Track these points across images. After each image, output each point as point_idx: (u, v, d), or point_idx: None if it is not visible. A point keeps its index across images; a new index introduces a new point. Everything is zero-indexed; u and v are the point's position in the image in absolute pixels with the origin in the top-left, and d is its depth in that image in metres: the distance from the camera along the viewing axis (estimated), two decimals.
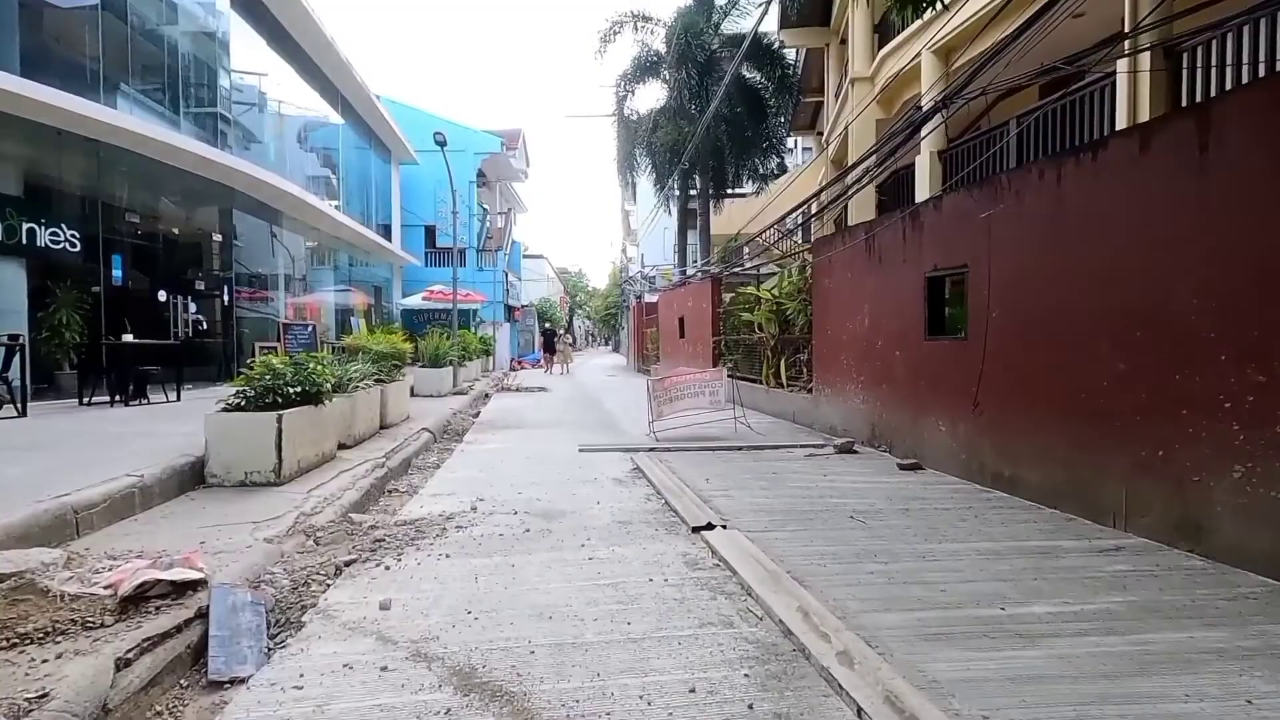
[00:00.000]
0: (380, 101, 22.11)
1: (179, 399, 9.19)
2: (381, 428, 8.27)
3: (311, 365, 5.82)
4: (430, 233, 28.00)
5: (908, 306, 6.50)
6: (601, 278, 71.01)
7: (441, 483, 5.99)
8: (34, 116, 8.48)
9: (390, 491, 5.86)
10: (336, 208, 18.33)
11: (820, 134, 24.52)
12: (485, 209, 30.71)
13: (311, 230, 17.37)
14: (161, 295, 10.68)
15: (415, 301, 23.03)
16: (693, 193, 22.84)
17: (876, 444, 7.20)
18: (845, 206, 10.10)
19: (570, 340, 24.87)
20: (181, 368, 9.58)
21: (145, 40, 11.08)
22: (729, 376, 9.93)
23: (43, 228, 8.91)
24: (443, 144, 13.27)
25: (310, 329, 13.77)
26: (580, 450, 7.31)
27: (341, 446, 6.70)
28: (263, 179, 12.53)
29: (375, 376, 8.04)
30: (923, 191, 8.72)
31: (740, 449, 7.34)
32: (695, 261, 26.45)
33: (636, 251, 34.46)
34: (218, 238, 12.33)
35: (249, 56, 14.15)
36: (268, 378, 5.46)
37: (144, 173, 10.51)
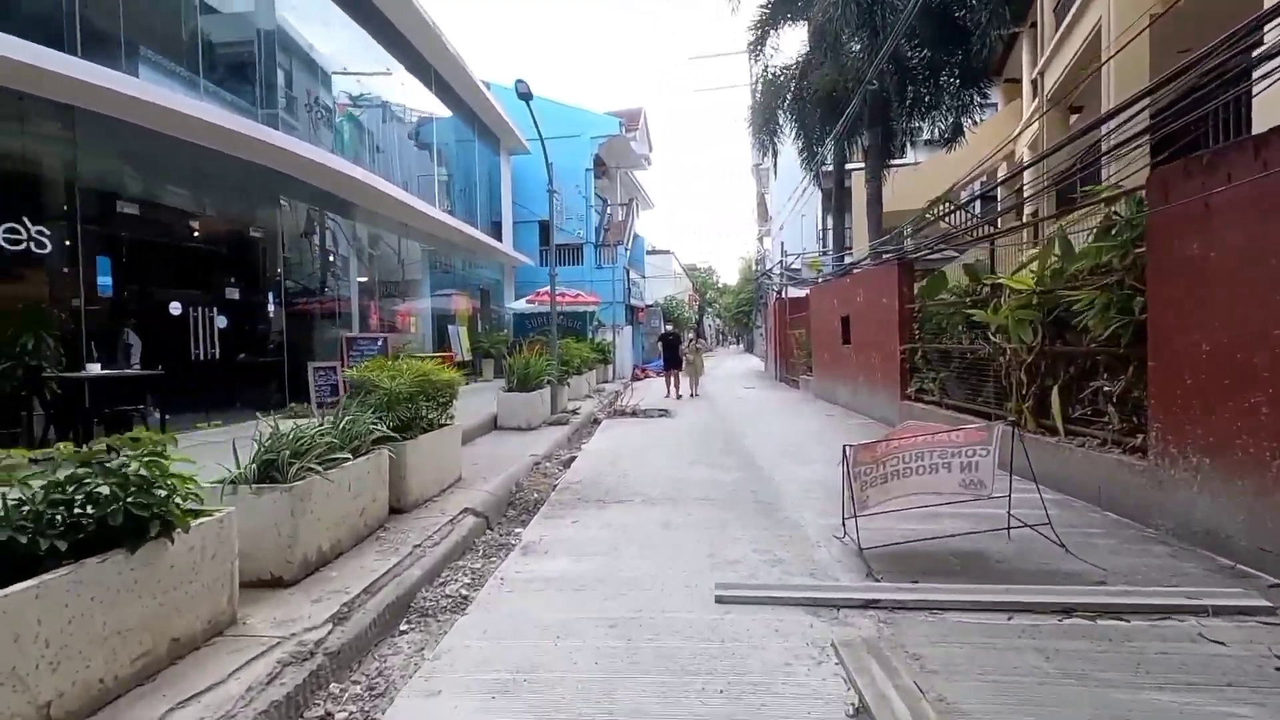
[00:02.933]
0: (488, 89, 19.79)
1: None
2: (394, 511, 5.17)
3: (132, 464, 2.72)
4: (545, 229, 25.55)
5: None
6: (732, 274, 66.96)
7: None
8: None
9: None
10: (448, 211, 16.06)
11: (1012, 80, 19.22)
12: (604, 200, 27.92)
13: (398, 227, 15.11)
14: (175, 308, 8.38)
15: (527, 305, 20.54)
16: (850, 167, 18.46)
17: None
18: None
19: (701, 345, 18.35)
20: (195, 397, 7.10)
21: None
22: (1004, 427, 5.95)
23: None
24: (526, 96, 10.20)
25: (380, 343, 11.23)
26: (719, 598, 3.71)
27: (270, 584, 3.60)
28: (315, 159, 10.07)
29: (379, 434, 4.92)
30: None
31: (1064, 612, 3.40)
32: (848, 248, 21.92)
33: (773, 241, 30.28)
34: (256, 233, 9.98)
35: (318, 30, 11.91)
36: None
37: (145, 151, 8.24)
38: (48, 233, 7.09)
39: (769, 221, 33.04)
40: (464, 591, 4.02)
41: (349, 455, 4.44)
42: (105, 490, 2.61)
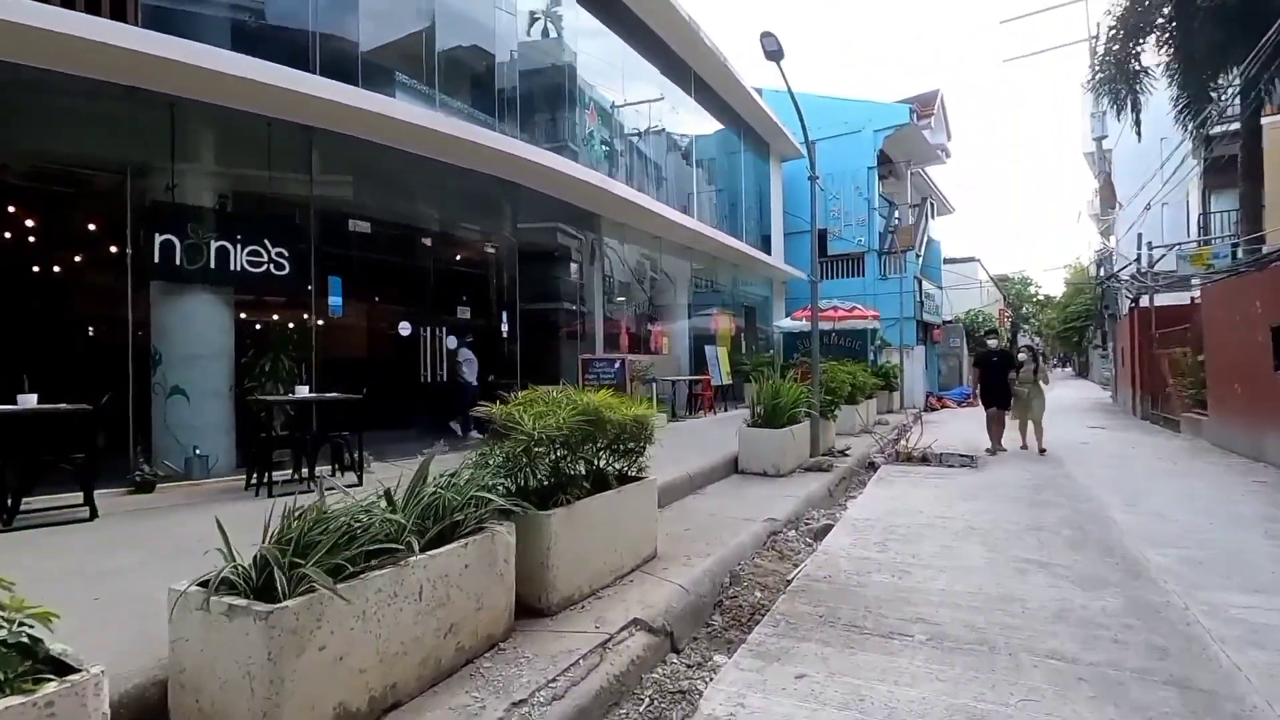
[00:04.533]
0: (759, 95, 18.24)
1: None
2: (531, 614, 3.48)
3: None
4: (821, 239, 22.98)
5: None
6: (1054, 283, 55.86)
7: None
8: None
9: None
10: (713, 225, 14.86)
11: None
12: (890, 201, 24.34)
13: (651, 241, 14.12)
14: (405, 328, 8.07)
15: (793, 322, 18.31)
16: (1267, 121, 12.67)
17: None
18: None
19: (1043, 370, 11.36)
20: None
21: None
22: None
23: (239, 246, 6.80)
24: (776, 55, 8.10)
25: (618, 365, 10.10)
26: None
27: None
28: (548, 164, 9.31)
29: (497, 503, 3.27)
30: None
31: None
32: (1234, 232, 15.25)
33: (1124, 235, 23.39)
34: (491, 249, 9.47)
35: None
36: None
37: (378, 167, 8.08)
38: (286, 254, 7.10)
39: (1114, 211, 25.85)
40: None
41: (435, 541, 2.86)
42: None
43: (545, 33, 11.37)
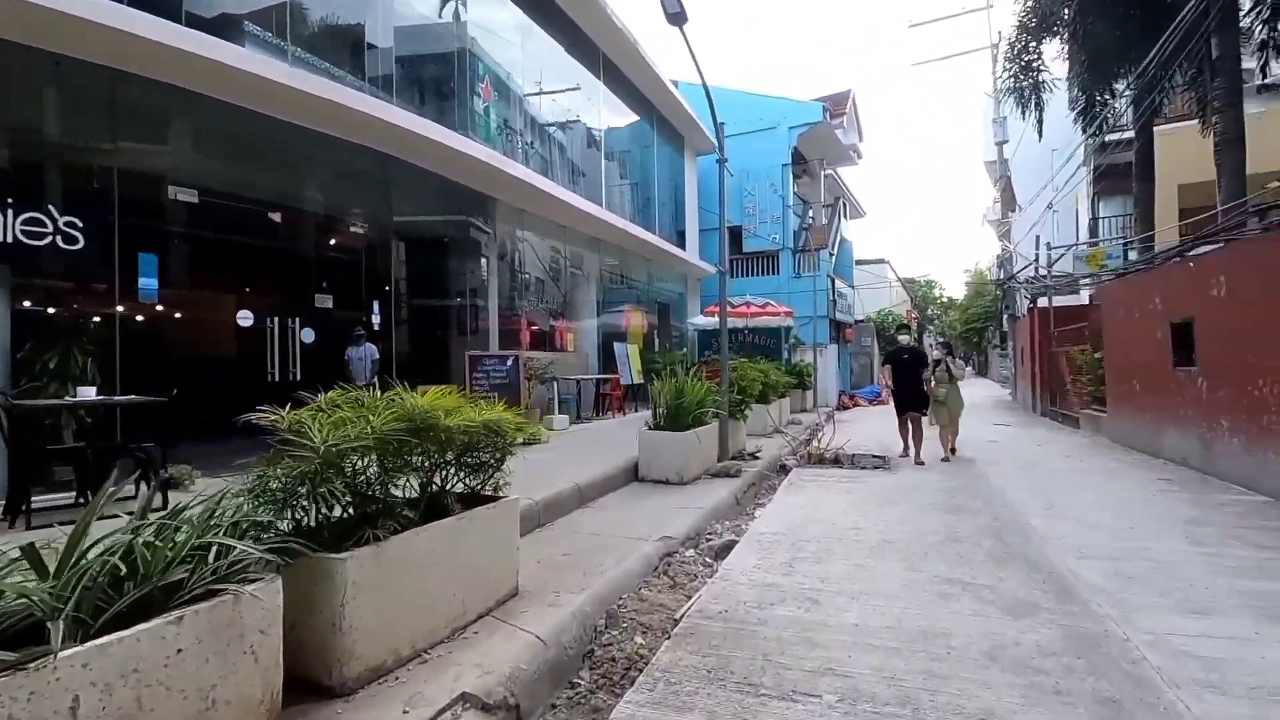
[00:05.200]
0: (676, 89, 17.60)
1: None
2: (321, 695, 2.53)
3: None
4: (735, 236, 22.67)
5: None
6: (956, 286, 58.59)
7: None
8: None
9: None
10: (625, 216, 14.00)
11: None
12: (804, 200, 24.33)
13: (556, 231, 13.19)
14: (245, 318, 6.82)
15: (707, 319, 17.77)
16: (1169, 125, 13.00)
17: None
18: None
19: (958, 368, 9.70)
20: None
21: None
22: None
23: (9, 213, 5.41)
24: (678, 18, 7.35)
25: (511, 363, 9.12)
26: None
27: None
28: (448, 144, 8.22)
29: (249, 554, 2.30)
30: None
31: None
32: (1125, 233, 15.90)
33: (1021, 238, 24.27)
34: (360, 230, 8.27)
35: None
36: None
37: (215, 128, 6.80)
38: (80, 224, 5.73)
39: (1013, 215, 26.89)
40: None
41: (120, 620, 1.87)
42: None
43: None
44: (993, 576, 4.27)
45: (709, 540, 5.50)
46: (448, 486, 3.68)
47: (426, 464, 3.41)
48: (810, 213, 24.24)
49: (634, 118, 17.55)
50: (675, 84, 18.07)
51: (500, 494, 3.81)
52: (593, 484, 6.52)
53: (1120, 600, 3.82)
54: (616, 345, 14.53)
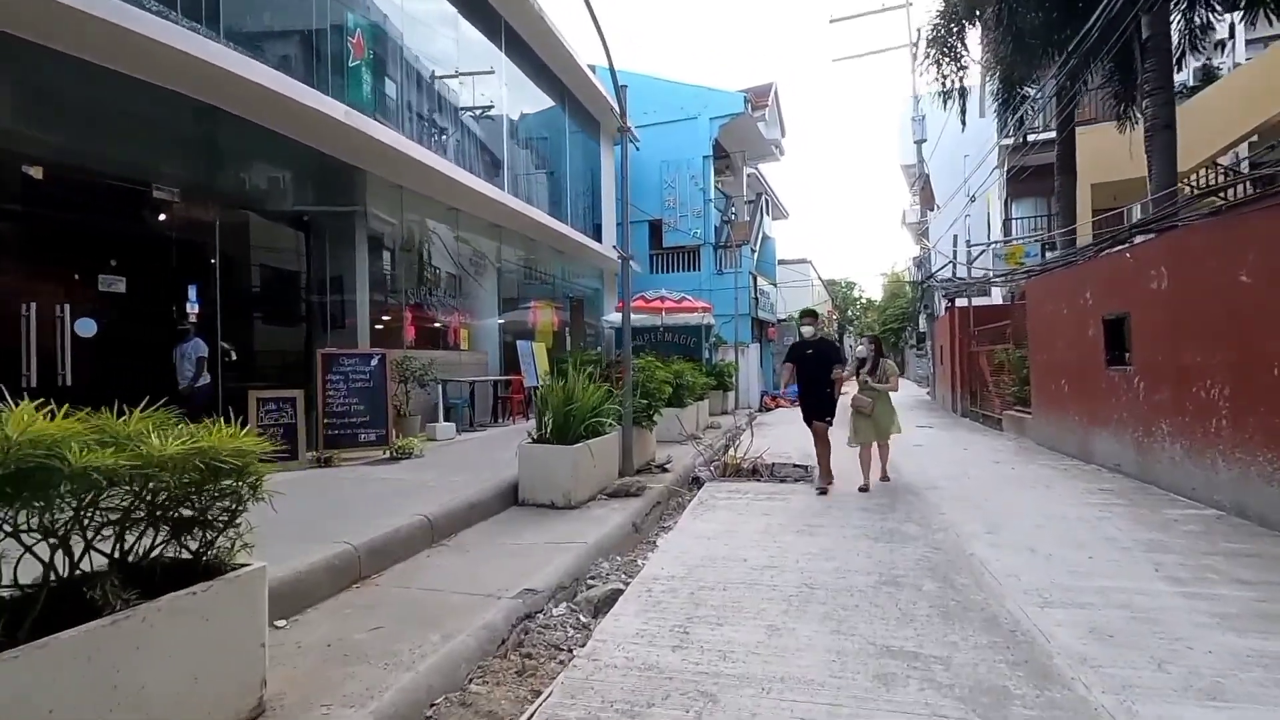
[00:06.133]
0: (594, 74, 16.35)
1: None
2: None
3: None
4: (655, 230, 21.63)
5: None
6: (875, 289, 60.02)
7: None
8: None
9: None
10: (544, 211, 12.58)
11: None
12: (726, 196, 23.59)
13: (449, 214, 11.71)
14: None
15: (635, 319, 16.61)
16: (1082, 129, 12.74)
17: None
18: None
19: (887, 367, 7.56)
20: None
21: None
22: None
23: None
24: None
25: (375, 362, 7.65)
26: None
27: None
28: (290, 95, 6.66)
29: None
30: None
31: None
32: (1039, 232, 15.85)
33: (939, 237, 24.36)
34: (163, 194, 6.60)
35: None
36: None
37: None
38: None
39: (933, 214, 27.09)
40: None
41: None
42: None
43: None
44: (944, 643, 3.24)
45: (589, 588, 4.29)
46: (151, 555, 2.35)
47: (70, 526, 2.05)
48: (733, 208, 23.52)
49: (545, 100, 16.21)
50: (593, 69, 16.87)
51: (228, 565, 2.47)
52: (452, 514, 5.20)
53: (1109, 677, 2.86)
54: (520, 343, 13.15)
